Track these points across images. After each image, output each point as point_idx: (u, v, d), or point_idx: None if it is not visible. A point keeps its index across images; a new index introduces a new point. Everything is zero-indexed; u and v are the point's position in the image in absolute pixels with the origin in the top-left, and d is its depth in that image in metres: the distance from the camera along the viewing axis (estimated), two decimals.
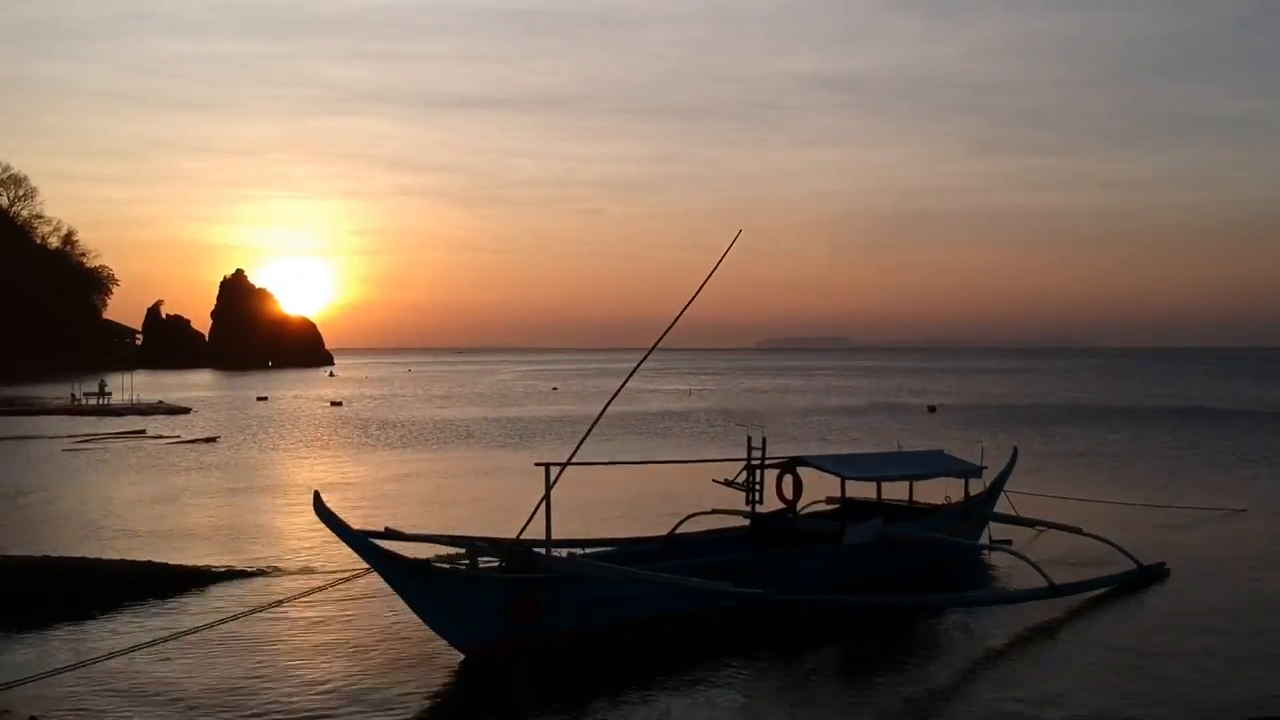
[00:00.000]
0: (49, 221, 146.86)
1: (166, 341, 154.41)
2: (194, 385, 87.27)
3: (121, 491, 21.36)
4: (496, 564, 10.49)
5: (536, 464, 11.52)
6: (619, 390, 12.82)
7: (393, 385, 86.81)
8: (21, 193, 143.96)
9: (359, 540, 9.35)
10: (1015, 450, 16.65)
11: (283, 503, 19.89)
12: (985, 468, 15.19)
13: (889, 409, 50.22)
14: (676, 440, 34.17)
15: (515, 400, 60.11)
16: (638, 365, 12.93)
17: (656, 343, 12.94)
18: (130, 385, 54.93)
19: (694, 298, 13.32)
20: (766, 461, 13.54)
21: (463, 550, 10.75)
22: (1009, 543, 14.75)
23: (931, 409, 47.28)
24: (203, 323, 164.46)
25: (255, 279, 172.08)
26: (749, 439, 13.53)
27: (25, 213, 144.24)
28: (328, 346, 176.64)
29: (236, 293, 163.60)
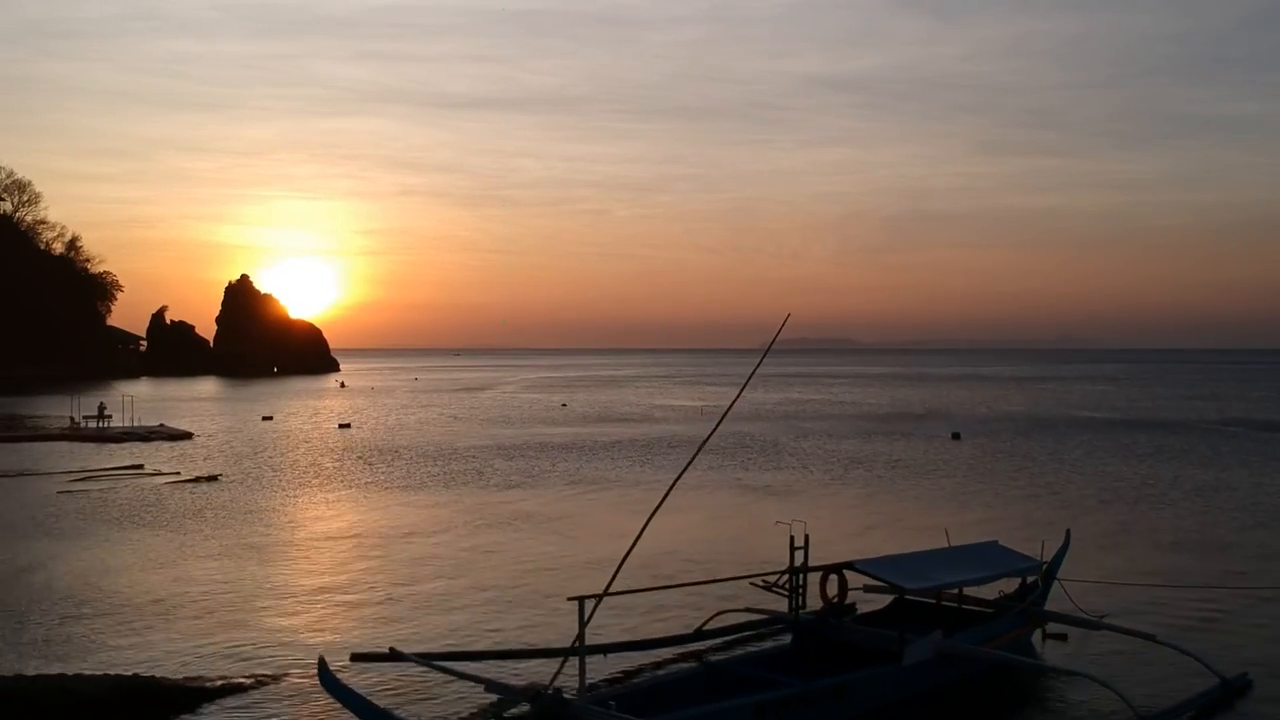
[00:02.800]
0: (53, 227, 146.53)
1: (171, 348, 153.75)
2: (198, 397, 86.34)
3: (112, 552, 20.20)
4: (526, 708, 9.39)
5: (569, 599, 10.39)
6: (686, 467, 11.99)
7: (399, 399, 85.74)
8: (25, 198, 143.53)
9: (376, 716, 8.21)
10: (1068, 534, 15.45)
11: (284, 570, 18.68)
12: (1045, 564, 14.03)
13: (909, 434, 48.94)
14: (686, 477, 32.91)
15: (523, 421, 58.92)
16: (707, 437, 12.12)
17: (729, 406, 12.65)
18: (131, 406, 53.75)
19: (748, 382, 12.58)
20: (812, 566, 12.37)
21: (468, 671, 9.81)
22: (1063, 638, 13.73)
23: (956, 436, 45.96)
24: (207, 325, 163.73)
25: (260, 280, 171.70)
26: (791, 538, 12.34)
27: (29, 218, 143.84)
28: (332, 347, 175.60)
29: (241, 298, 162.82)
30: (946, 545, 14.32)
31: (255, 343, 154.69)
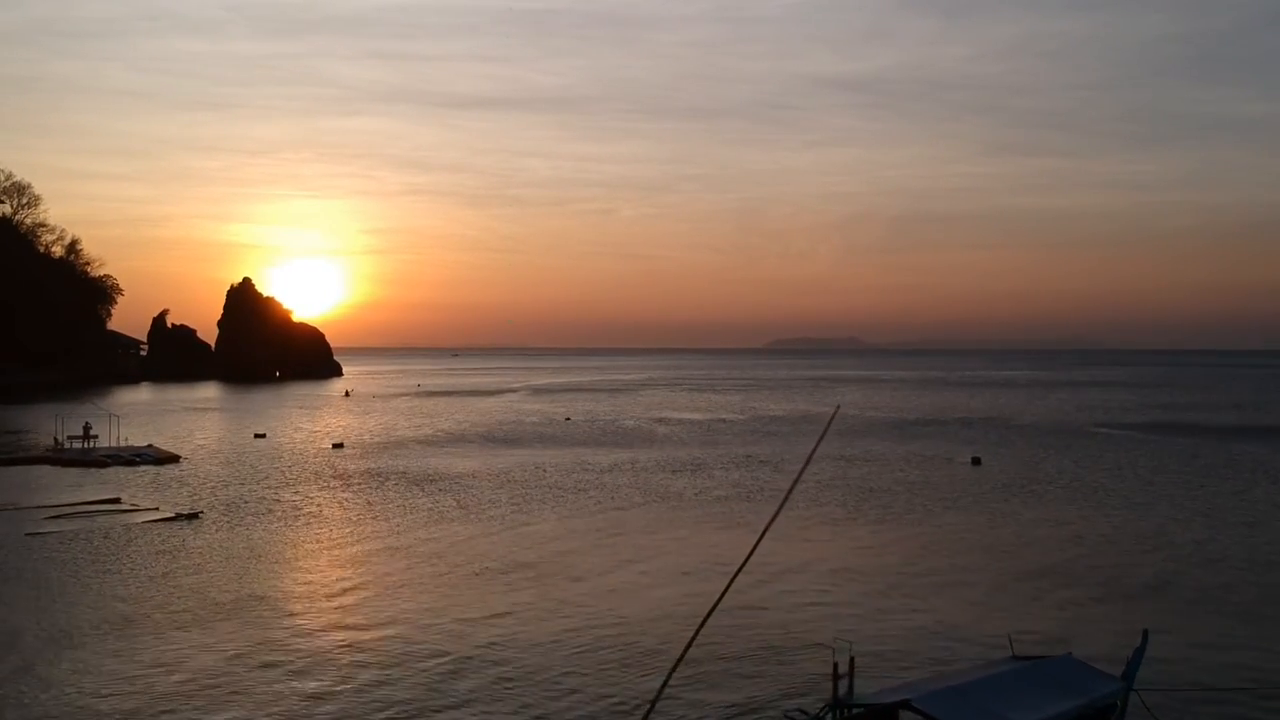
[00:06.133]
0: (53, 230, 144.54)
1: (172, 352, 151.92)
2: (195, 407, 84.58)
3: (69, 613, 18.44)
4: None
5: None
6: (749, 557, 9.99)
7: (400, 407, 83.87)
8: (25, 201, 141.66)
9: None
10: (1145, 635, 13.35)
11: (242, 651, 16.78)
12: (1128, 686, 11.98)
13: (926, 455, 46.93)
14: (685, 513, 31.06)
15: (525, 439, 57.05)
16: (772, 519, 10.22)
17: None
18: (118, 425, 51.95)
19: (804, 469, 10.74)
20: (860, 701, 10.46)
21: None
22: None
23: (976, 461, 43.87)
24: (212, 326, 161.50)
25: (266, 278, 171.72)
26: (835, 664, 10.44)
27: (29, 221, 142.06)
28: (335, 345, 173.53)
29: (243, 301, 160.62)
30: (1009, 654, 12.36)
31: (257, 347, 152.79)
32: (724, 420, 71.03)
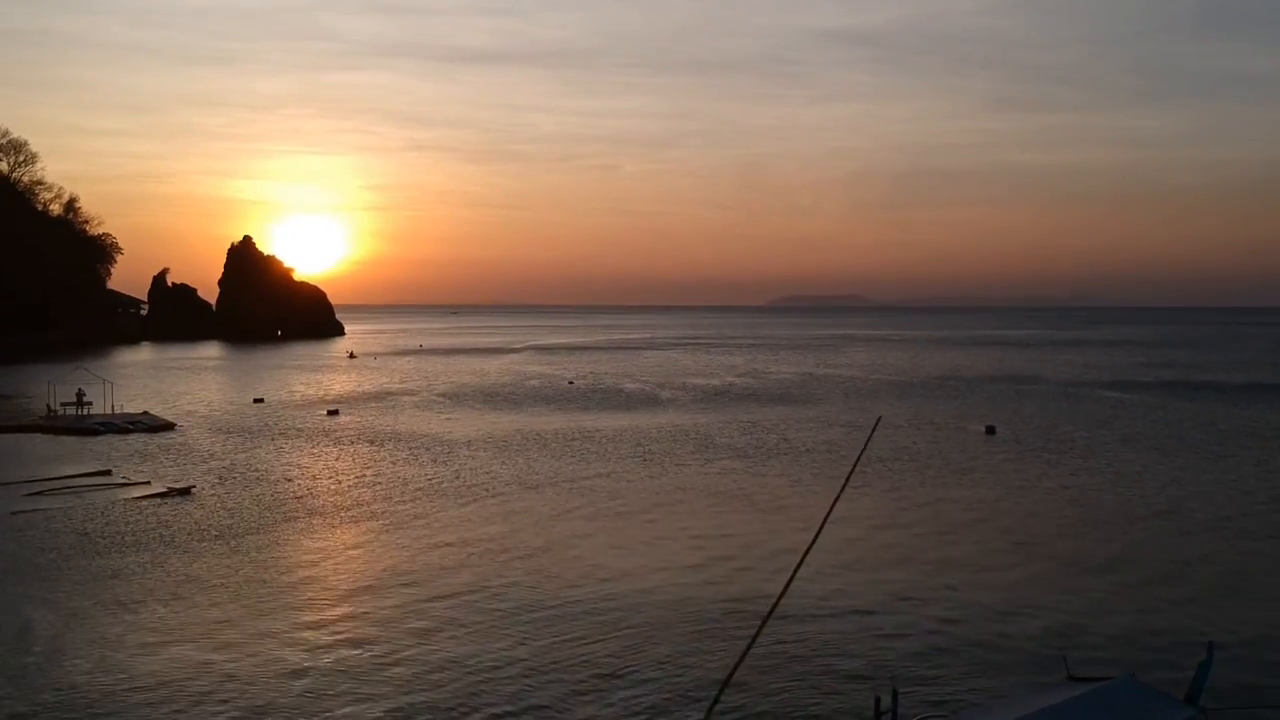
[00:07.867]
0: (50, 188, 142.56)
1: (172, 312, 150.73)
2: (194, 368, 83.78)
3: (46, 600, 17.51)
4: None
5: None
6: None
7: (401, 370, 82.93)
8: (21, 158, 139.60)
9: None
10: (1210, 648, 11.93)
11: (232, 635, 15.88)
12: (1198, 710, 10.81)
13: (937, 423, 45.87)
14: (683, 481, 30.12)
15: (526, 402, 56.10)
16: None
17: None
18: (111, 393, 50.98)
19: (848, 479, 9.47)
20: None
21: None
22: None
23: (990, 430, 42.68)
24: (213, 285, 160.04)
25: (268, 235, 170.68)
26: (876, 699, 9.42)
27: (26, 178, 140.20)
28: (337, 303, 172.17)
29: (244, 260, 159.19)
30: (1065, 675, 11.27)
31: (258, 306, 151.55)
32: (730, 383, 70.03)
